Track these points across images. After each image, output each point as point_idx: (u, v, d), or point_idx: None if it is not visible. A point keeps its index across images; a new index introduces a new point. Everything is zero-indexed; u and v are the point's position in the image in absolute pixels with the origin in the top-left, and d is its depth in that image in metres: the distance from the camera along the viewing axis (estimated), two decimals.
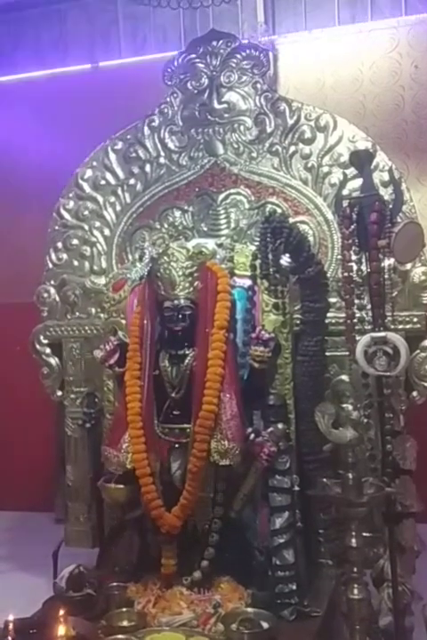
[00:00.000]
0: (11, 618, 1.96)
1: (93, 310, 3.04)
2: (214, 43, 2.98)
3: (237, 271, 2.59)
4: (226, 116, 2.96)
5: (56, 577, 2.49)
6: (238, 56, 2.95)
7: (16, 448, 4.79)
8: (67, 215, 3.12)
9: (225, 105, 2.96)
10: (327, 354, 2.64)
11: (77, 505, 3.04)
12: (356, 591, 2.05)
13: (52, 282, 3.12)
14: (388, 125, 4.21)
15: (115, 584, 2.45)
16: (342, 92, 4.31)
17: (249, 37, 4.16)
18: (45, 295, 3.12)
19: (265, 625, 2.16)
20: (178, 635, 2.10)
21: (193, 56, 3.01)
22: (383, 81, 4.27)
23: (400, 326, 2.58)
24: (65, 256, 3.11)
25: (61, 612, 2.07)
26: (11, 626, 1.95)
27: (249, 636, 2.10)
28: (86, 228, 3.09)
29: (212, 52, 2.98)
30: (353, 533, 2.06)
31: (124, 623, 2.23)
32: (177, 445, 2.46)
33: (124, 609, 2.30)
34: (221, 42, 2.98)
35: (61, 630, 2.04)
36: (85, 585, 2.38)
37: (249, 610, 2.25)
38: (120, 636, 2.11)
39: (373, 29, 4.31)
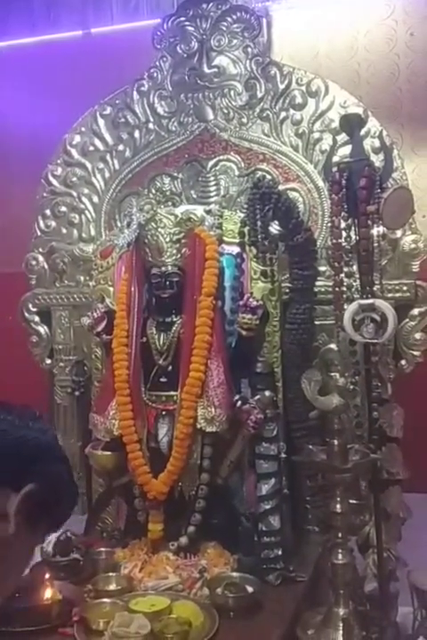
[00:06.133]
0: None
1: (82, 278, 3.00)
2: (205, 5, 2.90)
3: (225, 238, 2.56)
4: (216, 80, 2.89)
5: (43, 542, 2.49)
6: (229, 19, 2.87)
7: None
8: (55, 182, 3.07)
9: (215, 69, 2.89)
10: (316, 322, 2.62)
11: None
12: (340, 556, 2.06)
13: (41, 249, 3.07)
14: (383, 94, 4.13)
15: (102, 549, 2.47)
16: (336, 60, 4.22)
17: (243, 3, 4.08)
18: (34, 263, 3.08)
19: (250, 589, 2.18)
20: (163, 598, 2.11)
21: (183, 19, 2.93)
22: (378, 49, 4.18)
23: (389, 295, 2.55)
24: (53, 223, 3.07)
25: (48, 576, 2.10)
26: None
27: (234, 600, 2.12)
28: (75, 194, 3.04)
29: (202, 15, 2.90)
30: (338, 499, 2.07)
31: (111, 587, 2.25)
32: (164, 412, 2.45)
33: (111, 573, 2.31)
34: (211, 4, 2.89)
35: (48, 593, 2.07)
36: (73, 550, 2.39)
37: (234, 574, 2.26)
38: (106, 600, 2.13)
39: None
